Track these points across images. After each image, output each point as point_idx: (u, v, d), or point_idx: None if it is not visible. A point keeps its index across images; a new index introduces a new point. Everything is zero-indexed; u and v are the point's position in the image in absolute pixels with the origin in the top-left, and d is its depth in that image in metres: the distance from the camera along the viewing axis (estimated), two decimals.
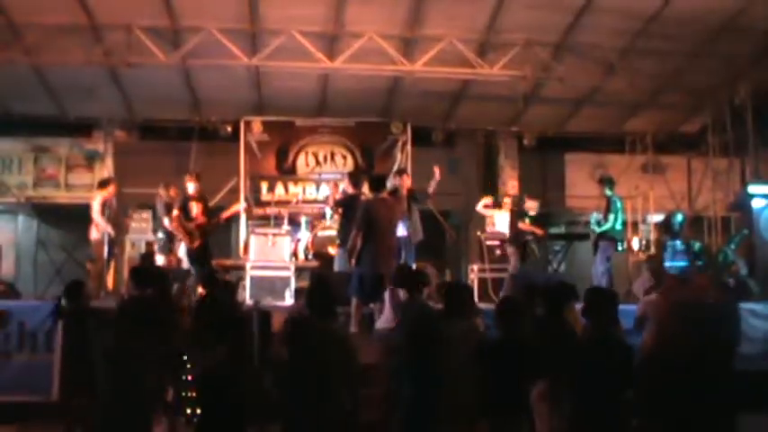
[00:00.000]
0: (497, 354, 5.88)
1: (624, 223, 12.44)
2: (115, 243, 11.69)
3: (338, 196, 10.93)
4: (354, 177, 10.85)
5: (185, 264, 11.36)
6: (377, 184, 9.73)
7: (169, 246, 11.57)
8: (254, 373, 5.60)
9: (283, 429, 5.36)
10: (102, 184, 11.74)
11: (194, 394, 5.79)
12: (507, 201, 12.80)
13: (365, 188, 10.30)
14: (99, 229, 11.06)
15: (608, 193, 11.85)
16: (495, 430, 5.63)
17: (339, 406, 5.33)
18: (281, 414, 5.35)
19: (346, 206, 10.27)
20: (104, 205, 11.15)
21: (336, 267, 10.41)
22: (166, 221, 11.43)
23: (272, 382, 5.28)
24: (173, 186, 11.55)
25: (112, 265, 12.30)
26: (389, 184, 10.96)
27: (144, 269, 8.39)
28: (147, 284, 7.56)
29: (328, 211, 12.74)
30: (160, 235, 11.61)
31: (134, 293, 7.66)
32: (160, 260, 11.40)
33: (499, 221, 12.53)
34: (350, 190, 10.56)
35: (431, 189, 11.12)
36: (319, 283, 6.83)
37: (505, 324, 6.09)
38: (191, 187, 11.20)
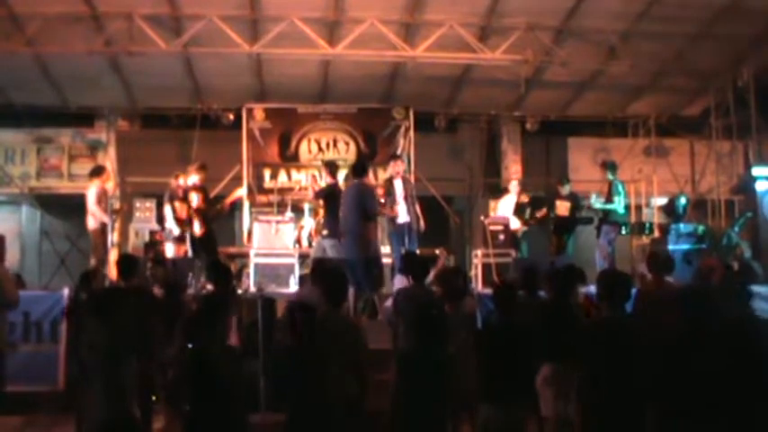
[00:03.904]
0: (495, 337, 5.91)
1: (627, 207, 12.43)
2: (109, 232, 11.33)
3: (317, 187, 11.02)
4: (330, 167, 10.91)
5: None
6: (355, 170, 9.73)
7: (179, 236, 11.34)
8: (237, 359, 5.59)
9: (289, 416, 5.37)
10: (96, 172, 11.37)
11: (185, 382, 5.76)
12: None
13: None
14: (96, 218, 10.79)
15: (610, 177, 11.85)
16: (493, 415, 5.64)
17: (346, 391, 5.36)
18: (286, 401, 5.36)
19: (325, 196, 10.46)
20: (100, 195, 10.88)
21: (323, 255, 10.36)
22: (167, 210, 11.27)
23: (274, 368, 5.25)
24: (182, 175, 11.41)
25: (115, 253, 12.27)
26: (388, 170, 10.99)
27: (128, 260, 8.18)
28: (132, 275, 7.50)
29: None
30: (168, 225, 11.33)
31: (119, 284, 7.61)
32: (170, 250, 11.24)
33: None
34: (329, 179, 10.69)
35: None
36: (334, 270, 6.85)
37: (503, 307, 6.16)
38: (195, 178, 11.12)
